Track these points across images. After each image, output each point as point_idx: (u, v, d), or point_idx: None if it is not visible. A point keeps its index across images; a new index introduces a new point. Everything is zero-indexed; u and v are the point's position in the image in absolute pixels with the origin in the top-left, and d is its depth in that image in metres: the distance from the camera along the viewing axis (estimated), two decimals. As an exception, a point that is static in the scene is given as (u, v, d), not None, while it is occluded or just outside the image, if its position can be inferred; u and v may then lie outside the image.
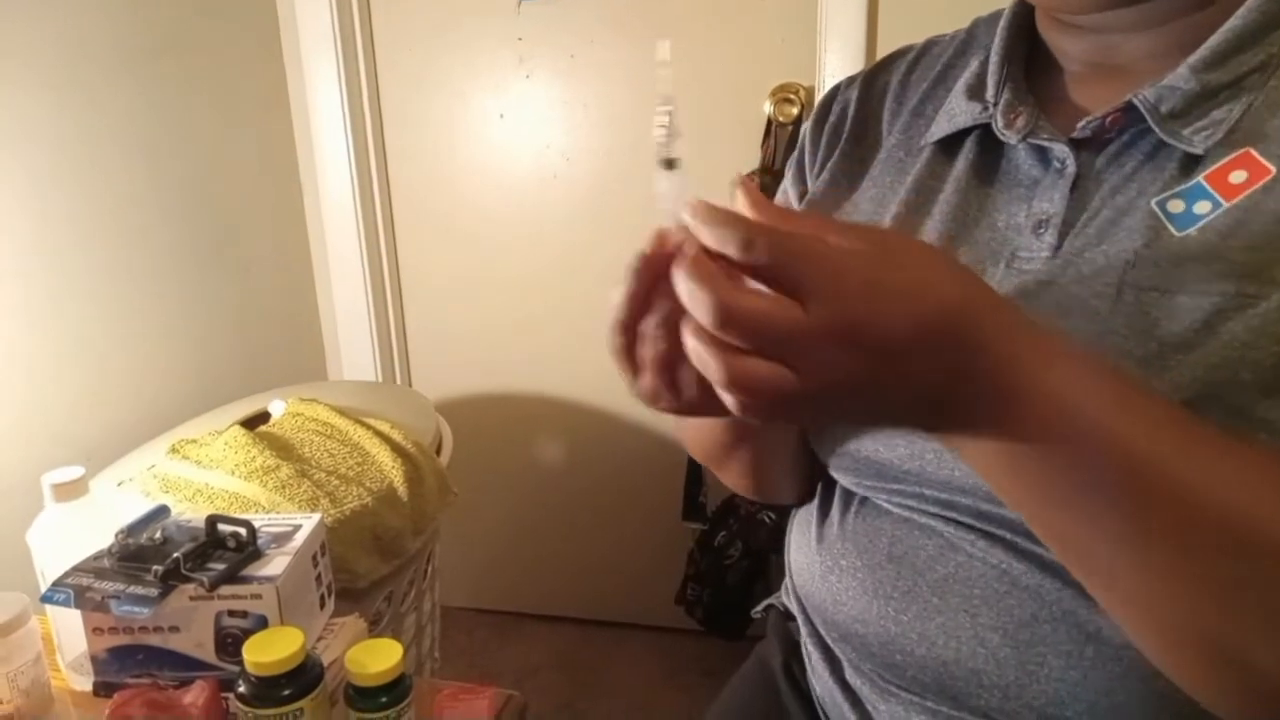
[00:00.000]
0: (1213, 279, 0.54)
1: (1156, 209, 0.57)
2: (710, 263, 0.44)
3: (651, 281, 0.53)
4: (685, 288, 0.44)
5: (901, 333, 0.43)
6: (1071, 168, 0.61)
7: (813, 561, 0.74)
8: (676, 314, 0.53)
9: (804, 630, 0.78)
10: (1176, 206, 0.57)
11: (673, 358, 0.54)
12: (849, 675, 0.72)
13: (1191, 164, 0.58)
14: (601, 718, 1.87)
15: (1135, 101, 0.58)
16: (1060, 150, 0.62)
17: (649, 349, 0.54)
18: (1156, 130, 0.58)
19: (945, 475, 0.63)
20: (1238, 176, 0.56)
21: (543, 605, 2.20)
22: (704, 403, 0.56)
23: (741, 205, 0.46)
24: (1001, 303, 0.47)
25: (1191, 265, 0.55)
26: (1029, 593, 0.60)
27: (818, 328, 0.42)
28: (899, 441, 0.66)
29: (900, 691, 0.67)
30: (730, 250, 0.43)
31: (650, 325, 0.53)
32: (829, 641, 0.73)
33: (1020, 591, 0.60)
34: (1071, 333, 0.58)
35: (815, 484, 0.83)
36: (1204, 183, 0.57)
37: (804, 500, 0.86)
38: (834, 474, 0.74)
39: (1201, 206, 0.56)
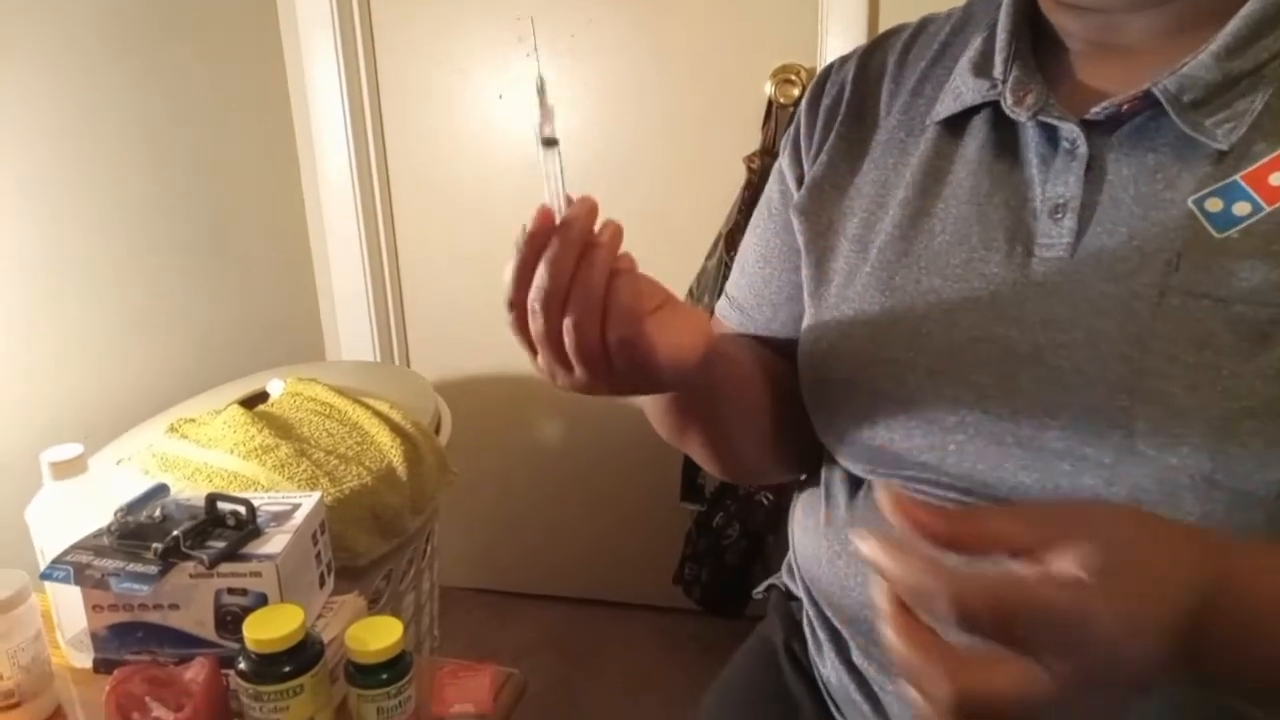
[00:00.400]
0: (1270, 290, 0.53)
1: (1194, 208, 0.56)
2: (927, 635, 0.40)
3: (536, 256, 0.53)
4: (911, 666, 0.41)
5: (1158, 655, 0.40)
6: (1083, 149, 0.60)
7: (819, 546, 0.73)
8: (555, 289, 0.53)
9: (810, 612, 0.77)
10: (1214, 205, 0.56)
11: (557, 333, 0.55)
12: (856, 657, 0.71)
13: (1221, 155, 0.56)
14: (599, 696, 1.88)
15: (1156, 92, 0.57)
16: (1070, 130, 0.61)
17: (532, 324, 0.54)
18: (1177, 121, 0.57)
19: (967, 468, 0.62)
20: (1278, 179, 0.54)
21: (541, 585, 2.20)
22: (591, 382, 0.57)
23: (903, 525, 0.42)
24: (1241, 548, 0.44)
25: (1243, 273, 0.54)
26: None
27: (1068, 686, 0.39)
28: (917, 431, 0.65)
29: None
30: (942, 614, 0.39)
31: (533, 300, 0.54)
32: (836, 624, 0.73)
33: None
34: (1106, 332, 0.57)
35: (805, 467, 0.82)
36: (1242, 183, 0.55)
37: (791, 480, 0.85)
38: (841, 461, 0.73)
39: (1241, 208, 0.55)
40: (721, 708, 0.83)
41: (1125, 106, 0.59)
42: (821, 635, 0.75)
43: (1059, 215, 0.61)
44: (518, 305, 0.56)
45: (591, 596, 2.16)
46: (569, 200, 0.56)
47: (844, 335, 0.69)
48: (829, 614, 0.73)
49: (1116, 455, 0.56)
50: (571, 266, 0.53)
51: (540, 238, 0.54)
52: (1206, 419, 0.53)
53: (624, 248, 0.56)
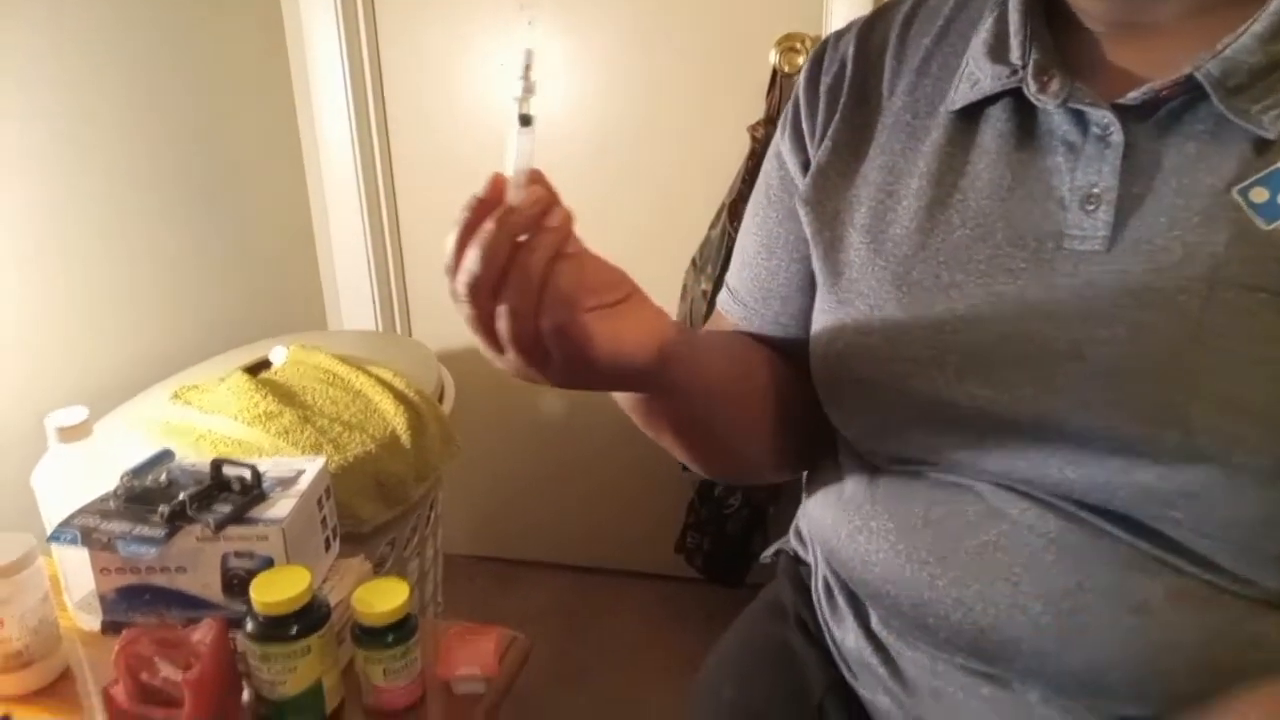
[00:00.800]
0: None
1: (1239, 199, 0.54)
2: None
3: (479, 226, 0.51)
4: None
5: None
6: (1118, 137, 0.57)
7: (838, 519, 0.71)
8: (485, 277, 0.51)
9: (829, 579, 0.76)
10: (1260, 195, 0.54)
11: (488, 318, 0.53)
12: (875, 625, 0.70)
13: (1263, 143, 0.54)
14: (601, 663, 1.89)
15: (1198, 77, 0.54)
16: (1101, 116, 0.58)
17: (460, 307, 0.52)
18: (1220, 107, 0.54)
19: (1006, 466, 0.60)
20: None
21: (543, 553, 2.22)
22: (526, 370, 0.55)
23: None
24: None
25: None
26: (1077, 561, 0.58)
27: None
28: (949, 429, 0.62)
29: (931, 649, 0.65)
30: None
31: (460, 284, 0.51)
32: (857, 593, 0.71)
33: (1067, 560, 0.58)
34: (1153, 327, 0.55)
35: (810, 464, 0.80)
36: None
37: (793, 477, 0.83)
38: (864, 455, 0.70)
39: None
40: (730, 665, 0.82)
41: (1163, 92, 0.56)
42: (840, 600, 0.74)
43: (1092, 206, 0.58)
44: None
45: (594, 565, 2.17)
46: (530, 180, 0.53)
47: (861, 332, 0.66)
48: (849, 583, 0.72)
49: (1173, 453, 0.54)
50: (504, 257, 0.51)
51: (486, 209, 0.52)
52: (1267, 416, 0.51)
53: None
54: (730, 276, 0.82)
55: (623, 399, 0.71)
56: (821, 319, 0.71)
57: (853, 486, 0.71)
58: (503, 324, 0.52)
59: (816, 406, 0.73)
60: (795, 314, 0.77)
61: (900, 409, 0.65)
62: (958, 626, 0.62)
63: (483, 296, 0.52)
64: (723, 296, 0.83)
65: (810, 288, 0.74)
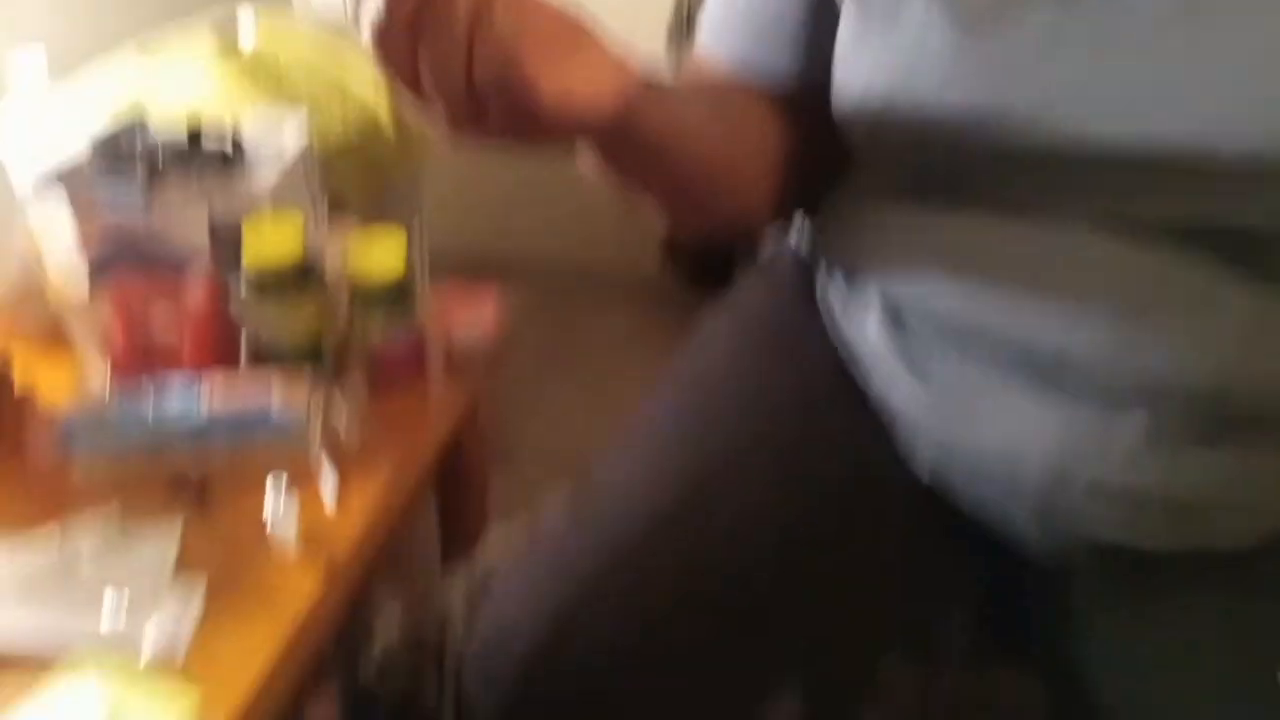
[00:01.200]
0: None
1: None
2: None
3: None
4: None
5: None
6: None
7: (869, 245, 0.65)
8: (393, 23, 0.43)
9: (855, 277, 0.69)
10: None
11: (409, 70, 0.45)
12: (904, 313, 0.64)
13: None
14: (588, 357, 1.92)
15: None
16: None
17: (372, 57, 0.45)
18: None
19: (1095, 206, 0.53)
20: None
21: (527, 254, 2.20)
22: (459, 127, 0.48)
23: None
24: None
25: None
26: (1152, 287, 0.53)
27: None
28: (1026, 180, 0.55)
29: (963, 349, 0.61)
30: None
31: (367, 34, 0.44)
32: (888, 295, 0.65)
33: (1139, 286, 0.53)
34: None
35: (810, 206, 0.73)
36: None
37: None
38: (903, 192, 0.63)
39: None
40: (721, 340, 0.78)
41: None
42: (863, 288, 0.68)
43: None
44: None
45: (579, 266, 2.17)
46: None
47: (905, 78, 0.57)
48: (881, 289, 0.66)
49: None
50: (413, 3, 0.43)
51: None
52: None
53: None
54: (711, 16, 0.71)
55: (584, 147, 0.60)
56: (852, 62, 0.61)
57: (886, 213, 0.65)
58: (425, 74, 0.45)
59: (829, 160, 0.66)
60: (803, 53, 0.66)
61: (955, 160, 0.58)
62: (1004, 339, 0.58)
63: (394, 43, 0.44)
64: (705, 40, 0.71)
65: (820, 19, 0.64)
